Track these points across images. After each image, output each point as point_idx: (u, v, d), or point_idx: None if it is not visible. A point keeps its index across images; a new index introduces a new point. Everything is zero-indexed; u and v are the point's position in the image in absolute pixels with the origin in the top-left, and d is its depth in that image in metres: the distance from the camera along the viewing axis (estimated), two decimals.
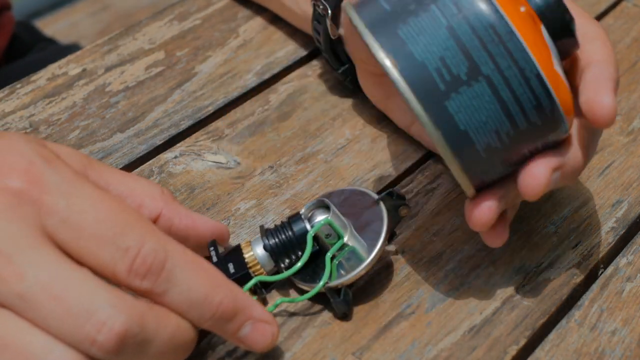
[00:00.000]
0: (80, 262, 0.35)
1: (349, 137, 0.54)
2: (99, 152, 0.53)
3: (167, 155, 0.53)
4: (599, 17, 0.65)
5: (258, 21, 0.63)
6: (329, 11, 0.52)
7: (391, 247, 0.47)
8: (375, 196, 0.45)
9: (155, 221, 0.42)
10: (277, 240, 0.43)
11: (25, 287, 0.34)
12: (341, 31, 0.53)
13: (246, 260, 0.43)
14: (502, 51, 0.38)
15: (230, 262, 0.43)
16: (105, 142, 0.53)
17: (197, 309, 0.37)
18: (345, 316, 0.44)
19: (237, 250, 0.43)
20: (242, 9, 0.64)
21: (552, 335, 0.44)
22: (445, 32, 0.38)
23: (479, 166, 0.40)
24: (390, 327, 0.43)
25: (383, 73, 0.52)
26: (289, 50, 0.61)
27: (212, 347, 0.42)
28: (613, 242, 0.49)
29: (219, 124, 0.55)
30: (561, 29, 0.40)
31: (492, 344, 0.43)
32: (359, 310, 0.44)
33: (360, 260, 0.43)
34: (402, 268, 0.46)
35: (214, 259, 0.43)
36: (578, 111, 0.42)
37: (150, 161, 0.52)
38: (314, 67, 0.60)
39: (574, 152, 0.42)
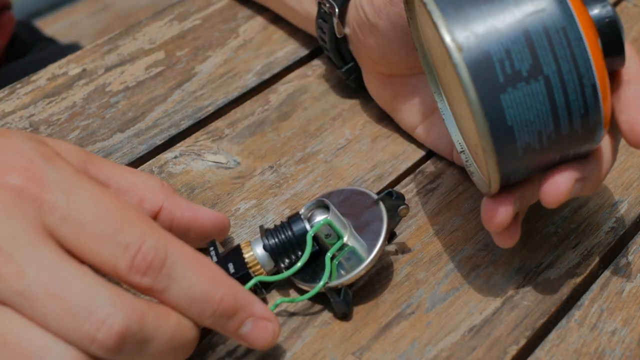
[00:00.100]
0: (81, 259, 0.35)
1: (349, 137, 0.54)
2: (99, 152, 0.53)
3: (167, 155, 0.53)
4: None
5: (258, 21, 0.63)
6: (336, 10, 0.52)
7: (391, 247, 0.47)
8: (375, 196, 0.45)
9: (156, 214, 0.42)
10: (276, 240, 0.43)
11: (25, 285, 0.34)
12: (346, 30, 0.53)
13: (246, 260, 0.43)
14: (567, 55, 0.38)
15: (230, 262, 0.43)
16: (105, 142, 0.53)
17: (198, 306, 0.37)
18: (345, 316, 0.44)
19: (237, 250, 0.43)
20: (242, 9, 0.64)
21: (552, 335, 0.44)
22: (517, 25, 0.38)
23: (513, 165, 0.40)
24: (390, 327, 0.44)
25: (392, 74, 0.52)
26: (289, 50, 0.61)
27: (212, 347, 0.42)
28: (613, 242, 0.49)
29: (219, 124, 0.55)
30: (616, 45, 0.41)
31: (492, 344, 0.43)
32: (359, 310, 0.44)
33: (360, 260, 0.43)
34: (402, 268, 0.46)
35: (214, 259, 0.43)
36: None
37: (150, 161, 0.52)
38: (314, 67, 0.60)
39: (598, 165, 0.42)
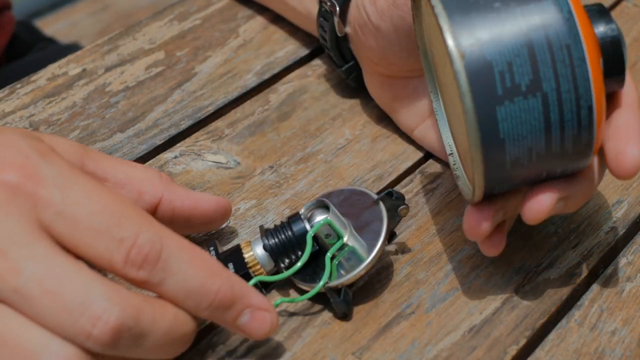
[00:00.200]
0: (77, 255, 0.35)
1: (349, 137, 0.54)
2: None
3: (167, 155, 0.53)
4: None
5: (258, 21, 0.63)
6: (337, 8, 0.52)
7: (391, 247, 0.47)
8: (375, 196, 0.45)
9: (156, 206, 0.42)
10: (276, 240, 0.43)
11: (21, 282, 0.34)
12: (347, 29, 0.53)
13: (246, 260, 0.43)
14: (568, 74, 0.38)
15: (230, 262, 0.43)
16: (105, 142, 0.53)
17: (195, 298, 0.37)
18: (345, 316, 0.44)
19: (237, 250, 0.43)
20: (242, 9, 0.64)
21: (552, 335, 0.44)
22: (522, 38, 0.37)
23: (499, 177, 0.40)
24: (390, 327, 0.43)
25: (393, 75, 0.52)
26: (289, 50, 0.61)
27: (212, 347, 0.42)
28: (613, 242, 0.49)
29: (219, 124, 0.55)
30: (617, 65, 0.41)
31: (492, 344, 0.43)
32: (359, 310, 0.44)
33: (360, 260, 0.43)
34: (402, 268, 0.46)
35: None
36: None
37: (150, 161, 0.52)
38: (314, 67, 0.60)
39: (584, 185, 0.42)
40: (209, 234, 0.47)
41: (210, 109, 0.56)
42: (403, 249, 0.48)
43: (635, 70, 0.61)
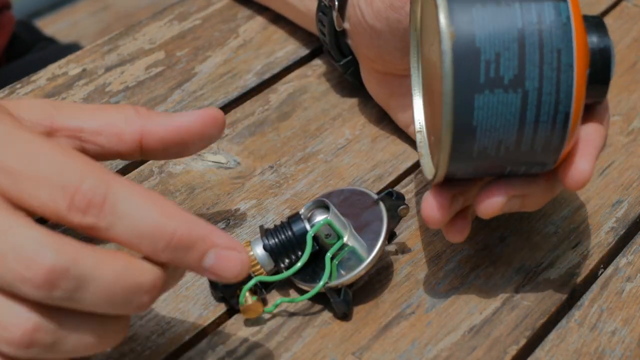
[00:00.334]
0: (22, 207, 0.35)
1: (349, 137, 0.54)
2: None
3: None
4: None
5: (258, 21, 0.63)
6: (336, 3, 0.52)
7: (391, 247, 0.47)
8: (375, 196, 0.45)
9: (141, 141, 0.41)
10: (276, 240, 0.43)
11: None
12: (346, 25, 0.53)
13: None
14: (553, 77, 0.38)
15: None
16: None
17: (149, 240, 0.35)
18: (345, 316, 0.44)
19: None
20: (242, 9, 0.64)
21: (552, 335, 0.44)
22: (515, 34, 0.38)
23: (464, 163, 0.40)
24: (390, 327, 0.44)
25: (389, 72, 0.52)
26: (289, 50, 0.61)
27: (212, 347, 0.42)
28: (613, 242, 0.49)
29: None
30: (602, 76, 0.41)
31: (492, 344, 0.43)
32: (359, 310, 0.44)
33: (360, 261, 0.43)
34: (402, 268, 0.46)
35: None
36: None
37: (151, 161, 0.52)
38: (314, 67, 0.60)
39: (544, 187, 0.42)
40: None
41: None
42: (403, 249, 0.48)
43: (635, 70, 0.61)
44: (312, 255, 0.43)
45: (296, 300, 0.44)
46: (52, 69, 0.59)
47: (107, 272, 0.34)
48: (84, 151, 0.41)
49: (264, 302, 0.44)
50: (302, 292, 0.44)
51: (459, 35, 0.37)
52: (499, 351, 0.43)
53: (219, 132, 0.43)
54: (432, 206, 0.42)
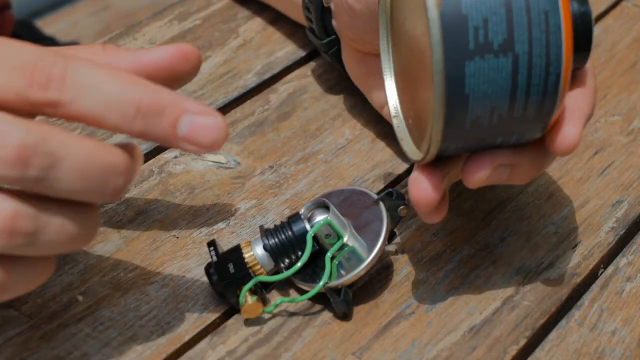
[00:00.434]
0: None
1: (349, 137, 0.54)
2: None
3: (167, 155, 0.53)
4: (599, 17, 0.65)
5: (258, 21, 0.63)
6: None
7: (391, 247, 0.47)
8: (375, 196, 0.45)
9: None
10: (276, 240, 0.43)
11: None
12: (331, 5, 0.52)
13: (246, 260, 0.43)
14: (542, 39, 0.37)
15: (230, 262, 0.43)
16: (105, 141, 0.53)
17: (116, 109, 0.34)
18: (345, 316, 0.44)
19: (237, 250, 0.43)
20: (242, 9, 0.64)
21: (552, 335, 0.44)
22: None
23: (457, 135, 0.39)
24: (390, 327, 0.44)
25: (369, 52, 0.51)
26: (289, 50, 0.61)
27: (212, 347, 0.42)
28: (613, 242, 0.49)
29: None
30: (585, 42, 0.41)
31: (492, 344, 0.43)
32: (359, 310, 0.44)
33: (360, 261, 0.43)
34: (402, 268, 0.46)
35: (214, 258, 0.43)
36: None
37: (150, 161, 0.52)
38: (314, 67, 0.60)
39: (533, 156, 0.42)
40: (209, 234, 0.47)
41: None
42: (403, 249, 0.48)
43: (635, 70, 0.61)
44: (312, 255, 0.43)
45: (296, 300, 0.44)
46: None
47: (79, 149, 0.34)
48: None
49: (264, 302, 0.44)
50: (302, 292, 0.44)
51: (445, 2, 0.37)
52: (499, 351, 0.43)
53: (192, 69, 0.41)
54: (425, 187, 0.40)
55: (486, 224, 0.49)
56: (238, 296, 0.42)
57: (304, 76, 0.59)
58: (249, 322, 0.43)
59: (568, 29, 0.38)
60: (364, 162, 0.53)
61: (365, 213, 0.44)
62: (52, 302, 0.43)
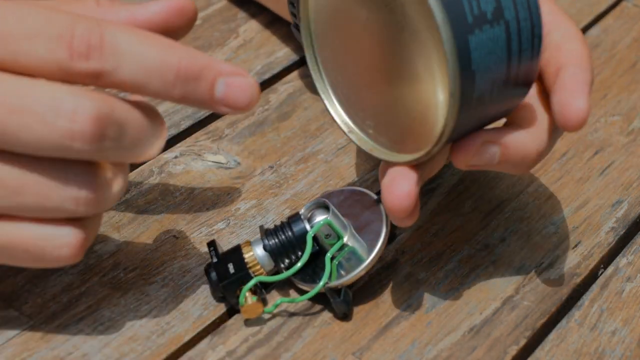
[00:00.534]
0: (23, 70, 0.34)
1: None
2: None
3: (167, 155, 0.53)
4: (599, 17, 0.65)
5: (258, 21, 0.63)
6: None
7: (391, 247, 0.47)
8: (375, 196, 0.45)
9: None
10: (276, 240, 0.43)
11: None
12: None
13: (246, 261, 0.43)
14: (523, 2, 0.38)
15: (230, 262, 0.43)
16: None
17: (157, 75, 0.35)
18: (345, 316, 0.44)
19: (237, 251, 0.43)
20: (242, 9, 0.64)
21: (552, 335, 0.44)
22: None
23: (466, 117, 0.38)
24: (390, 327, 0.44)
25: None
26: (289, 50, 0.61)
27: (212, 347, 0.42)
28: (613, 242, 0.49)
29: (219, 124, 0.55)
30: None
31: (492, 344, 0.43)
32: (359, 311, 0.44)
33: (360, 261, 0.43)
34: (402, 268, 0.46)
35: (214, 259, 0.43)
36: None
37: (150, 161, 0.52)
38: None
39: (524, 138, 0.41)
40: (209, 234, 0.47)
41: None
42: (403, 249, 0.48)
43: (635, 70, 0.61)
44: (312, 255, 0.43)
45: (296, 301, 0.44)
46: None
47: (136, 114, 0.35)
48: None
49: (264, 302, 0.44)
50: (302, 292, 0.44)
51: None
52: (499, 351, 0.43)
53: (188, 23, 0.41)
54: (401, 192, 0.39)
55: (486, 224, 0.49)
56: (238, 296, 0.42)
57: (304, 76, 0.59)
58: (249, 322, 0.43)
59: None
60: (364, 162, 0.53)
61: (365, 213, 0.44)
62: (52, 302, 0.43)
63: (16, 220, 0.36)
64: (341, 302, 0.43)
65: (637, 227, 0.50)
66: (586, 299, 0.46)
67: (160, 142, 0.37)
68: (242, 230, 0.48)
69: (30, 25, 0.34)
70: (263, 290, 0.44)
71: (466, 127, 0.39)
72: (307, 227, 0.43)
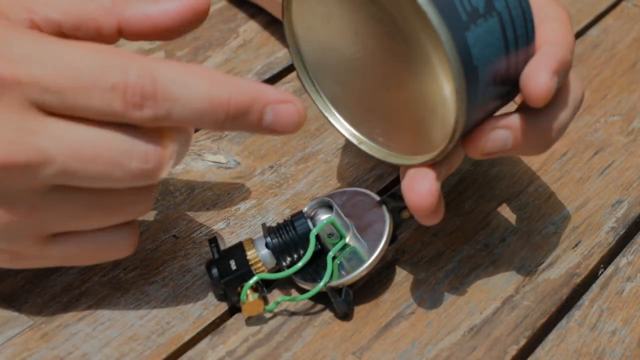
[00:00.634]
0: (79, 117, 0.35)
1: None
2: None
3: None
4: (599, 17, 0.65)
5: (258, 21, 0.63)
6: None
7: (391, 247, 0.47)
8: (377, 197, 0.45)
9: (117, 33, 0.41)
10: (279, 238, 0.43)
11: (59, 164, 0.34)
12: None
13: (248, 258, 0.43)
14: None
15: (232, 259, 0.43)
16: None
17: (209, 115, 0.36)
18: (345, 316, 0.44)
19: (239, 248, 0.43)
20: (242, 9, 0.64)
21: (552, 335, 0.44)
22: None
23: (474, 112, 0.39)
24: (391, 327, 0.44)
25: None
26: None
27: (212, 347, 0.42)
28: (613, 242, 0.49)
29: None
30: None
31: (492, 344, 0.43)
32: (359, 310, 0.44)
33: (362, 262, 0.43)
34: (402, 268, 0.46)
35: (215, 255, 0.43)
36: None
37: None
38: None
39: (531, 116, 0.41)
40: (209, 234, 0.47)
41: None
42: (403, 249, 0.48)
43: (635, 70, 0.61)
44: (314, 254, 0.43)
45: (297, 299, 0.44)
46: None
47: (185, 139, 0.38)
48: None
49: (265, 300, 0.44)
50: (303, 291, 0.44)
51: None
52: (499, 351, 0.43)
53: (199, 22, 0.42)
54: (422, 191, 0.39)
55: (486, 224, 0.49)
56: (239, 294, 0.42)
57: None
58: (249, 322, 0.43)
59: None
60: (364, 162, 0.53)
61: (367, 214, 0.44)
62: (52, 302, 0.43)
63: (78, 235, 0.39)
64: (342, 302, 0.43)
65: (637, 227, 0.50)
66: (586, 299, 0.46)
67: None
68: (242, 230, 0.48)
69: (85, 77, 0.35)
70: (264, 288, 0.44)
71: (476, 120, 0.40)
72: (310, 225, 0.43)
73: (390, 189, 0.51)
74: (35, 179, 0.35)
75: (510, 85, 0.40)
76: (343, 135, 0.45)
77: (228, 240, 0.47)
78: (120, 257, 0.41)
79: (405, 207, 0.44)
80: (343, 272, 0.43)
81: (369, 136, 0.44)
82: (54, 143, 0.35)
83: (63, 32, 0.40)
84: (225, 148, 0.53)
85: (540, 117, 0.41)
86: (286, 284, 0.45)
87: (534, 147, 0.42)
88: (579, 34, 0.64)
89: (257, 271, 0.43)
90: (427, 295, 0.45)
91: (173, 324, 0.43)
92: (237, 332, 0.43)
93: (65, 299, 0.43)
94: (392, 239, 0.45)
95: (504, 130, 0.40)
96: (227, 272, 0.43)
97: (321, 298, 0.44)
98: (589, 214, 0.50)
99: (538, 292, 0.46)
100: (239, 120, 0.36)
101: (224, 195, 0.50)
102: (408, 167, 0.41)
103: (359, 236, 0.44)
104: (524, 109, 0.41)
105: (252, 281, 0.42)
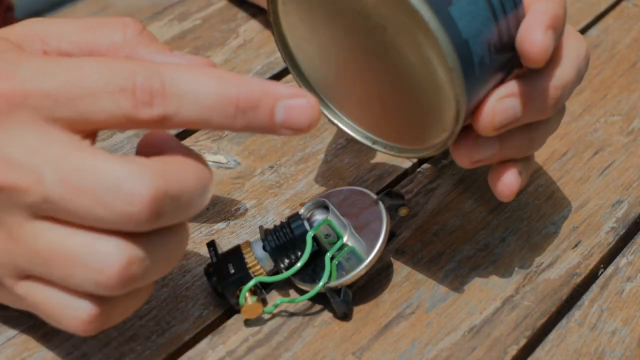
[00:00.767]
0: (93, 126, 0.35)
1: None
2: None
3: None
4: (599, 17, 0.65)
5: (258, 21, 0.63)
6: None
7: (391, 247, 0.47)
8: (374, 196, 0.45)
9: None
10: (276, 240, 0.43)
11: (47, 189, 0.34)
12: None
13: (246, 261, 0.43)
14: None
15: (230, 262, 0.43)
16: (105, 142, 0.53)
17: (219, 110, 0.35)
18: (345, 316, 0.44)
19: (237, 251, 0.43)
20: (242, 9, 0.64)
21: (552, 335, 0.44)
22: None
23: (473, 87, 0.38)
24: (390, 327, 0.44)
25: None
26: None
27: (212, 347, 0.42)
28: (613, 242, 0.49)
29: None
30: None
31: (492, 344, 0.43)
32: (359, 310, 0.44)
33: (360, 261, 0.43)
34: (402, 268, 0.46)
35: (213, 259, 0.43)
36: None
37: None
38: None
39: (533, 79, 0.41)
40: (209, 234, 0.47)
41: None
42: (403, 249, 0.48)
43: (635, 70, 0.61)
44: (312, 255, 0.43)
45: (296, 301, 0.44)
46: None
47: (191, 178, 0.36)
48: None
49: (264, 302, 0.44)
50: (302, 292, 0.44)
51: None
52: (499, 351, 0.43)
53: None
54: (508, 176, 0.42)
55: (486, 224, 0.49)
56: (238, 297, 0.42)
57: None
58: (249, 323, 0.43)
59: None
60: (364, 162, 0.53)
61: (364, 213, 0.44)
62: None
63: (47, 284, 0.36)
64: (341, 302, 0.43)
65: (637, 227, 0.50)
66: (586, 299, 0.46)
67: (210, 194, 0.37)
68: (242, 230, 0.48)
69: (93, 83, 0.35)
70: (263, 291, 0.44)
71: (480, 94, 0.39)
72: (307, 227, 0.43)
73: (390, 188, 0.51)
74: (20, 202, 0.35)
75: (508, 53, 0.39)
76: (355, 139, 0.45)
77: (228, 240, 0.47)
78: (74, 331, 0.36)
79: (402, 205, 0.44)
80: (342, 272, 0.43)
81: (380, 134, 0.44)
82: (49, 170, 0.34)
83: None
84: (225, 148, 0.53)
85: (543, 76, 0.41)
86: (285, 285, 0.45)
87: (546, 109, 0.41)
88: None
89: (255, 274, 0.43)
90: (427, 295, 0.45)
91: (173, 324, 0.43)
92: (237, 332, 0.43)
93: None
94: (390, 237, 0.45)
95: (510, 99, 0.40)
96: (225, 275, 0.43)
97: (320, 298, 0.44)
98: (589, 214, 0.50)
99: (538, 292, 0.46)
100: (249, 115, 0.36)
101: (224, 195, 0.50)
102: (426, 156, 0.41)
103: (356, 235, 0.44)
104: (524, 73, 0.41)
105: (250, 284, 0.42)
